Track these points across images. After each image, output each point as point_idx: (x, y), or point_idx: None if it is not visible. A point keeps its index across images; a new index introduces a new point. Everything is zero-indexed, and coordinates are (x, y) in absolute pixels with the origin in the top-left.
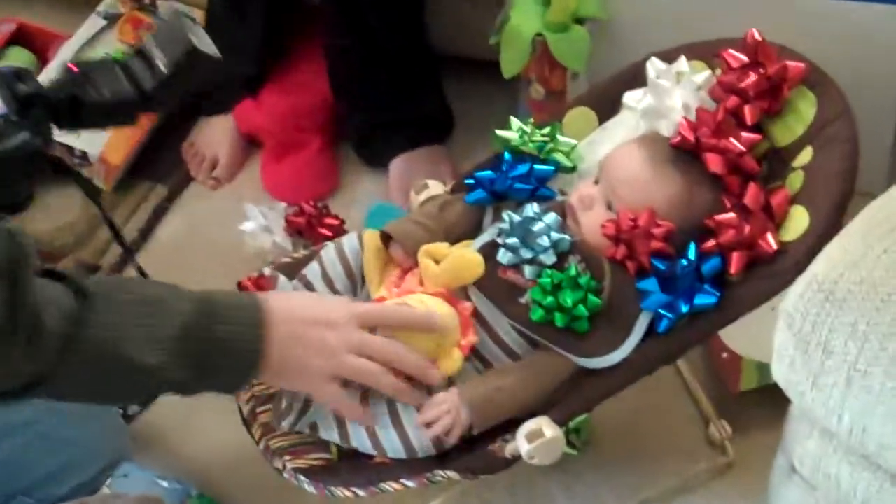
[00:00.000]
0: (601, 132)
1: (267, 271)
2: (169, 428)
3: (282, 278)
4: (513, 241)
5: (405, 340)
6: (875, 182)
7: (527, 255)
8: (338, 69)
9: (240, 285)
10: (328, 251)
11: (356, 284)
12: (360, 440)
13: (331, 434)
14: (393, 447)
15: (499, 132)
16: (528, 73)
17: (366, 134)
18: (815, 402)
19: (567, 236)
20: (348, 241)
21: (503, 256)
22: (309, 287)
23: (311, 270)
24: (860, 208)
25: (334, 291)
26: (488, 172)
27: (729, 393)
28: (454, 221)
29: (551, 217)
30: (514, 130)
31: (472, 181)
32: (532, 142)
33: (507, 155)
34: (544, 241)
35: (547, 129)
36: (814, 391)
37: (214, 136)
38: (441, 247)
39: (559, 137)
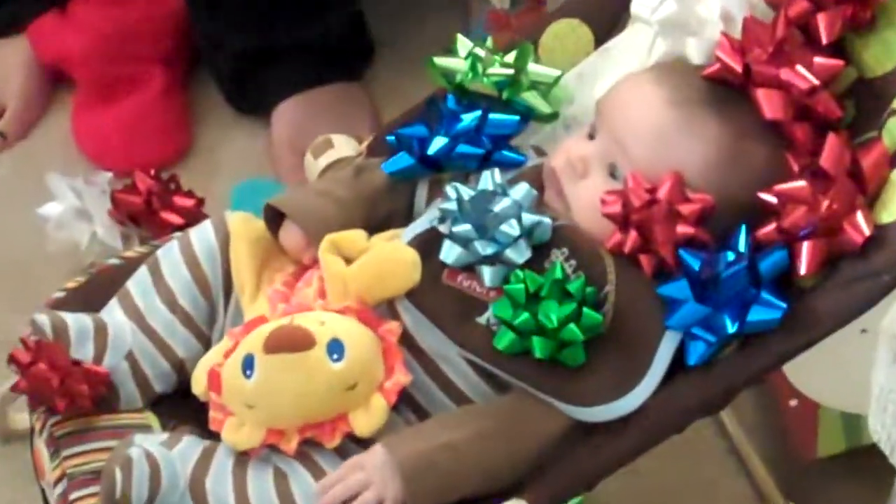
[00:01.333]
0: (599, 58)
1: (45, 320)
2: None
3: (72, 323)
4: (463, 228)
5: (298, 389)
6: None
7: (486, 249)
8: None
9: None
10: (168, 251)
11: (214, 298)
12: None
13: None
14: None
15: (438, 60)
16: None
17: (239, 66)
18: None
19: (547, 218)
20: (199, 234)
21: (449, 253)
22: (132, 309)
23: (139, 281)
24: None
25: (180, 314)
26: (418, 127)
27: (801, 461)
28: (374, 197)
29: (522, 190)
30: (462, 57)
31: (393, 140)
32: (489, 75)
33: (449, 98)
34: (512, 227)
35: (514, 54)
36: None
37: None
38: (354, 237)
39: (533, 67)
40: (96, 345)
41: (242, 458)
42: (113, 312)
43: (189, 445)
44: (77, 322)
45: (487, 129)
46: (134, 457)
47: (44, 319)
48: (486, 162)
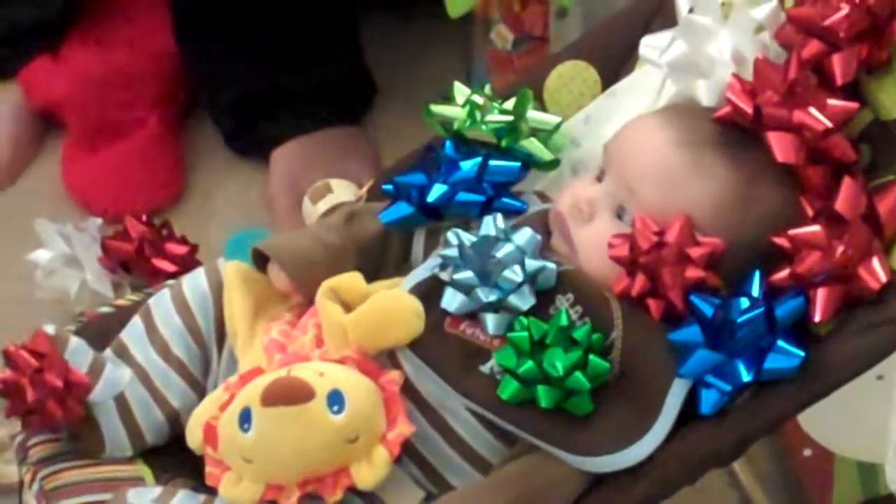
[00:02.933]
0: (607, 101)
1: (51, 330)
2: None
3: (74, 342)
4: (465, 275)
5: (298, 442)
6: None
7: (489, 296)
8: (189, 11)
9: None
10: (160, 299)
11: (207, 346)
12: None
13: None
14: None
15: (434, 108)
16: (489, 10)
17: (240, 108)
18: None
19: (551, 263)
20: (191, 281)
21: (451, 300)
22: (127, 358)
23: (133, 331)
24: None
25: (174, 363)
26: (416, 175)
27: None
28: (365, 245)
29: (525, 235)
30: (460, 104)
31: (391, 188)
32: (488, 123)
33: (447, 145)
34: (515, 273)
35: (513, 101)
36: None
37: None
38: (353, 282)
39: (532, 113)
40: (90, 373)
41: None
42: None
43: (185, 500)
44: (79, 345)
45: (488, 177)
46: None
47: (50, 329)
48: (486, 209)
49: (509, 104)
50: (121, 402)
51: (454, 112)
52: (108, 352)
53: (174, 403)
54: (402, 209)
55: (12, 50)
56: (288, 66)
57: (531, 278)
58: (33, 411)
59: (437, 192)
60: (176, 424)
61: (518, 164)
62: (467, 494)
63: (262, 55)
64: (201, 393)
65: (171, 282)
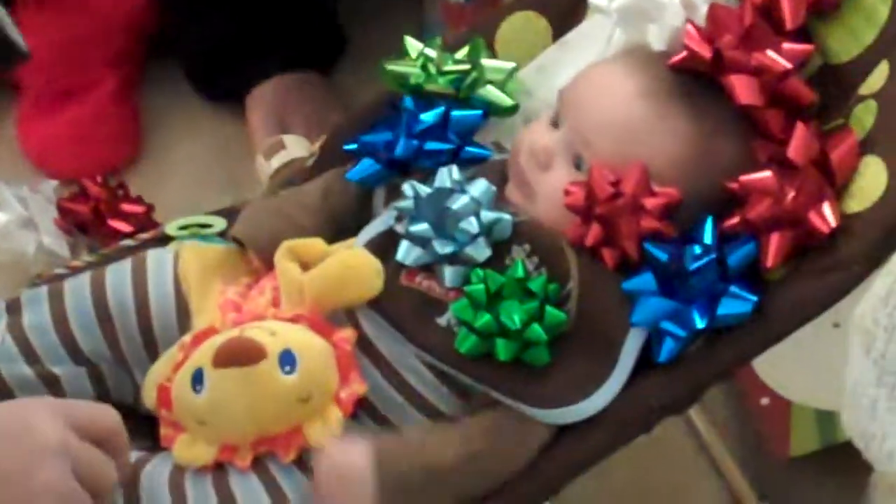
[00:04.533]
0: (558, 50)
1: None
2: None
3: None
4: (420, 227)
5: (250, 403)
6: None
7: (445, 248)
8: None
9: None
10: (116, 273)
11: (149, 322)
12: None
13: None
14: None
15: (389, 65)
16: None
17: (215, 54)
18: None
19: (507, 215)
20: (157, 260)
21: (406, 254)
22: (64, 328)
23: (75, 293)
24: None
25: (112, 334)
26: (381, 133)
27: (774, 460)
28: (342, 219)
29: (480, 186)
30: (414, 59)
31: (355, 147)
32: (444, 73)
33: (406, 100)
34: (471, 224)
35: (465, 50)
36: None
37: None
38: (312, 243)
39: (487, 62)
40: None
41: (179, 469)
42: None
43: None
44: None
45: (452, 127)
46: None
47: None
48: (453, 159)
49: (461, 54)
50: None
51: (409, 67)
52: None
53: (52, 368)
54: (369, 166)
55: None
56: (261, 15)
57: (487, 230)
58: None
59: (403, 145)
60: (55, 388)
61: (479, 111)
62: (435, 431)
63: (239, 6)
64: (93, 371)
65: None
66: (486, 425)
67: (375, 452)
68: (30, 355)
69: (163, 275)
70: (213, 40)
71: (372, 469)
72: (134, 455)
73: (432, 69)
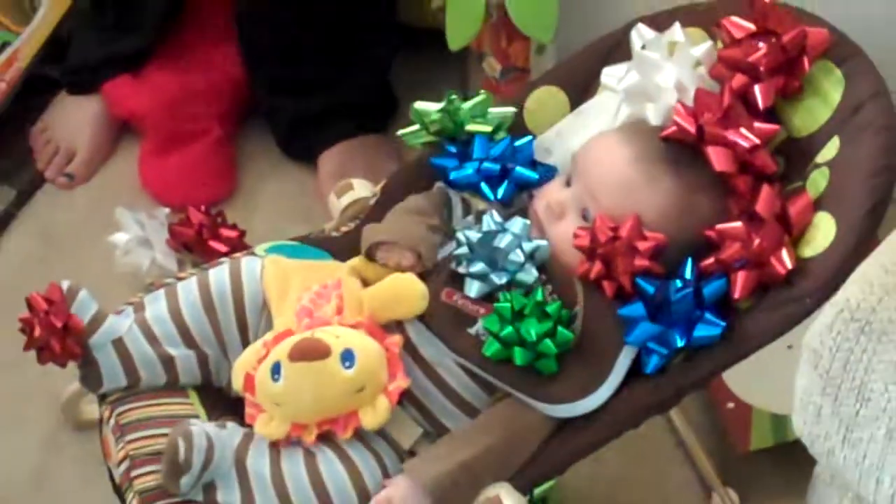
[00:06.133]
0: (574, 119)
1: (65, 284)
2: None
3: (82, 296)
4: (478, 267)
5: (317, 391)
6: None
7: (501, 279)
8: (254, 40)
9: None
10: (218, 272)
11: (220, 324)
12: None
13: (231, 497)
14: None
15: (417, 105)
16: (482, 45)
17: (294, 124)
18: (847, 462)
19: (544, 241)
20: (217, 274)
21: (471, 288)
22: (139, 312)
23: (186, 291)
24: None
25: (215, 322)
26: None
27: (737, 453)
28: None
29: (517, 223)
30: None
31: (453, 163)
32: (489, 115)
33: (448, 147)
34: (517, 255)
35: (473, 102)
36: (846, 448)
37: (73, 119)
38: (370, 266)
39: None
40: (92, 322)
41: (275, 442)
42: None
43: (233, 430)
44: (85, 299)
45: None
46: (194, 431)
47: (65, 283)
48: (508, 179)
49: (469, 104)
50: (118, 344)
51: (430, 108)
52: (125, 306)
53: (169, 350)
54: (469, 174)
55: (95, 70)
56: (329, 89)
57: (530, 255)
58: (41, 347)
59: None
60: (170, 367)
61: (531, 137)
62: (456, 437)
63: (315, 81)
64: (200, 355)
65: (225, 260)
66: (504, 415)
67: (409, 470)
68: (152, 338)
69: (253, 275)
70: (293, 115)
71: (412, 475)
72: (235, 427)
73: (451, 109)
